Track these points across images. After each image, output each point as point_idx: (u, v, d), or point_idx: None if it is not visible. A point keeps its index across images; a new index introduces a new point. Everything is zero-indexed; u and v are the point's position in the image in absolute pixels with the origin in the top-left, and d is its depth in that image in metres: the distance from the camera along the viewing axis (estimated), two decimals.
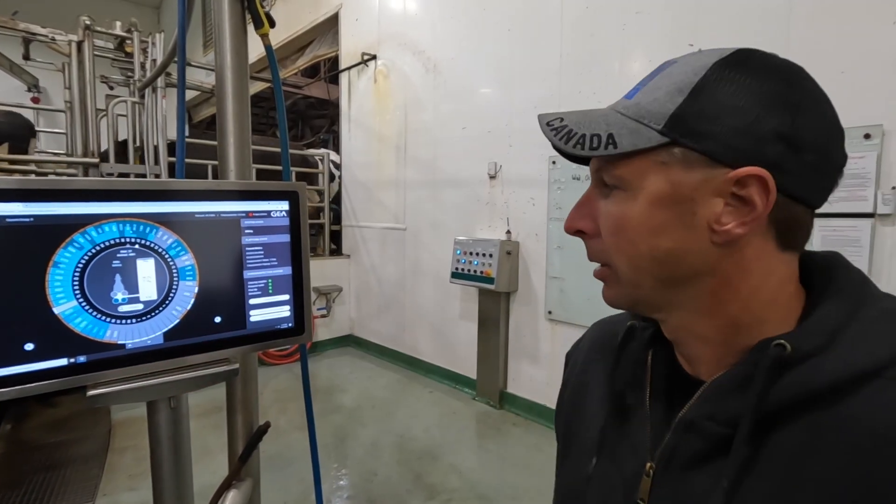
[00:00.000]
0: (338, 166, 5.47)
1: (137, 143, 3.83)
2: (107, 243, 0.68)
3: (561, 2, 3.10)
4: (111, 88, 4.61)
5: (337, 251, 5.41)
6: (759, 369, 0.39)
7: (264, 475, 1.14)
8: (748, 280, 0.42)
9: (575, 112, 0.46)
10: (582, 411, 0.57)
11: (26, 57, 4.44)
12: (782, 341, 0.38)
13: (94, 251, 0.67)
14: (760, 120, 0.38)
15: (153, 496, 0.82)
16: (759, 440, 0.39)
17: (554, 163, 3.17)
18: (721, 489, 0.39)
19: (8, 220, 0.61)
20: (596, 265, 0.48)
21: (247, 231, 0.81)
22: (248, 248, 0.81)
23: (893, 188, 1.96)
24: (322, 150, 5.95)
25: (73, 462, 2.75)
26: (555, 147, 0.44)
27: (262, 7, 1.10)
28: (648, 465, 0.46)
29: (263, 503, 1.14)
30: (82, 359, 0.68)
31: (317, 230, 5.42)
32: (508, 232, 3.51)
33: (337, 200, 5.41)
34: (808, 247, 0.45)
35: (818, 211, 0.43)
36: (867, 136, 1.99)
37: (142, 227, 0.70)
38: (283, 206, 0.84)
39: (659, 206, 0.41)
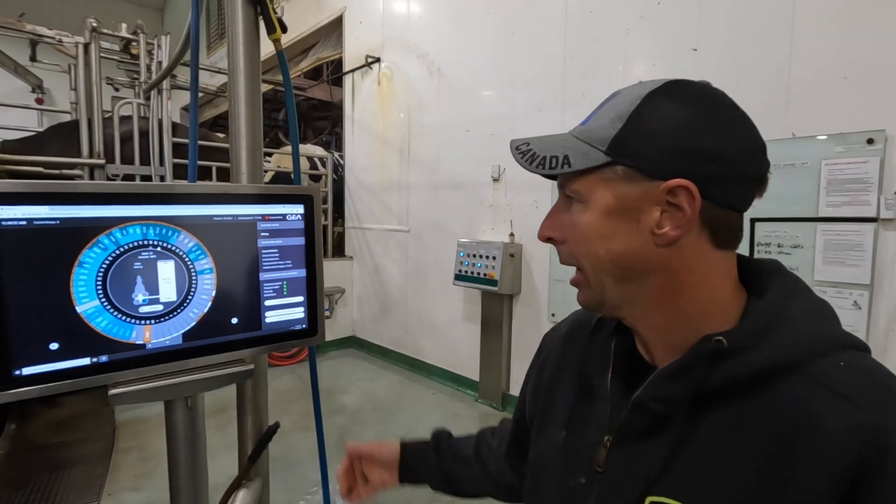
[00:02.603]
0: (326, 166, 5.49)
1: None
2: (130, 245, 0.70)
3: (565, 6, 3.12)
4: (116, 90, 4.63)
5: (340, 253, 5.42)
6: (697, 360, 0.47)
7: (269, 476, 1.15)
8: (691, 275, 0.49)
9: (541, 137, 0.54)
10: (557, 392, 0.65)
11: (33, 58, 4.46)
12: (720, 337, 0.46)
13: (117, 252, 0.69)
14: (684, 140, 0.46)
15: (170, 494, 0.83)
16: (695, 419, 0.47)
17: None
18: (660, 459, 0.48)
19: (35, 222, 0.63)
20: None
21: (263, 234, 0.82)
22: (263, 251, 0.82)
23: None
24: (315, 149, 5.96)
25: (77, 462, 2.76)
26: (522, 167, 0.53)
27: (275, 13, 1.12)
28: (606, 438, 0.54)
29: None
30: (104, 358, 0.69)
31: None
32: (512, 234, 3.52)
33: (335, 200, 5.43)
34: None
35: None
36: (870, 142, 2.00)
37: (164, 230, 0.72)
38: (299, 209, 0.86)
39: (608, 216, 0.49)
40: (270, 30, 1.12)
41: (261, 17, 1.11)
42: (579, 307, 0.70)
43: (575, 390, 0.61)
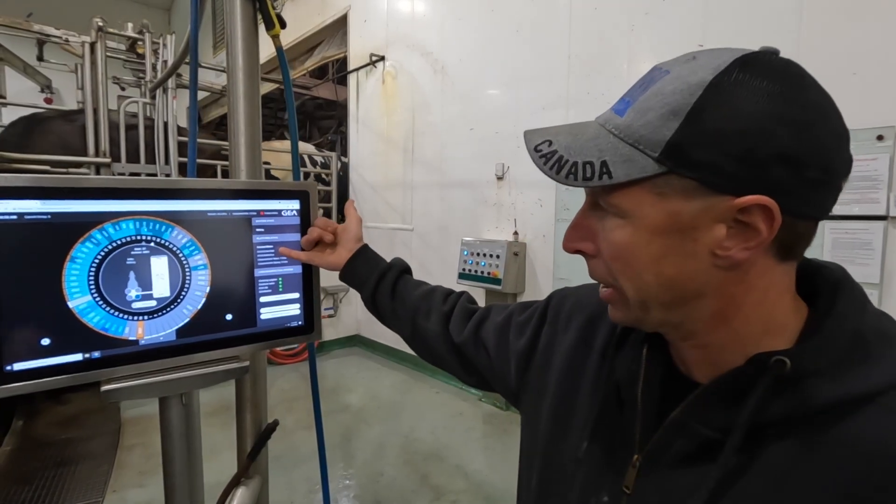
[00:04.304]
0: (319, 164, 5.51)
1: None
2: (123, 240, 0.69)
3: (569, 3, 3.10)
4: (123, 89, 4.66)
5: None
6: (759, 384, 0.40)
7: (270, 474, 1.15)
8: (750, 296, 0.42)
9: (562, 131, 0.44)
10: (577, 389, 0.58)
11: (40, 58, 4.50)
12: (783, 358, 0.39)
13: (110, 247, 0.68)
14: (761, 143, 0.36)
15: (164, 491, 0.83)
16: (749, 449, 0.40)
17: None
18: (706, 489, 0.40)
19: (26, 217, 0.62)
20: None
21: (258, 229, 0.82)
22: (258, 247, 0.82)
23: None
24: (306, 146, 5.98)
25: (83, 459, 2.78)
26: (547, 175, 0.43)
27: (274, 8, 1.11)
28: (636, 457, 0.48)
29: (270, 502, 1.14)
30: (97, 354, 0.69)
31: None
32: (516, 233, 3.50)
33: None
34: (818, 247, 0.44)
35: (830, 214, 0.43)
36: (880, 138, 1.97)
37: (157, 226, 0.71)
38: (294, 205, 0.85)
39: (659, 235, 0.41)
40: (269, 25, 1.12)
41: (259, 14, 1.11)
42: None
43: (600, 398, 0.55)
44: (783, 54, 0.41)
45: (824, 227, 2.07)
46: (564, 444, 0.56)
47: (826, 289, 0.44)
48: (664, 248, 0.41)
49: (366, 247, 0.88)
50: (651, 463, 0.47)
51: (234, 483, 1.01)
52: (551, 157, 0.43)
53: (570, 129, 0.44)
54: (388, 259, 0.89)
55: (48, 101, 6.70)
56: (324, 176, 5.48)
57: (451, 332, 0.75)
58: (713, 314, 0.43)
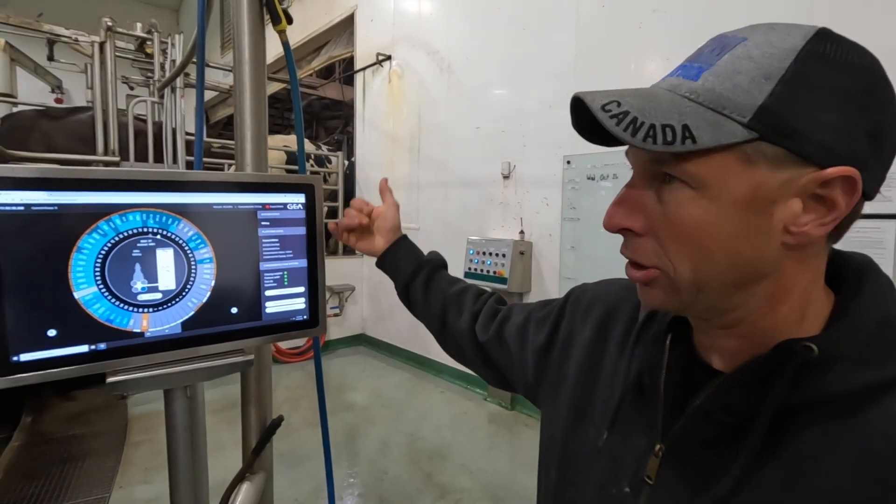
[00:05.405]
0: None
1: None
2: (130, 232, 0.69)
3: (576, 1, 3.08)
4: (131, 88, 4.69)
5: (350, 250, 5.44)
6: (787, 370, 0.38)
7: (276, 471, 1.15)
8: (802, 279, 0.41)
9: (628, 93, 0.40)
10: (596, 379, 0.57)
11: (50, 58, 4.54)
12: (811, 344, 0.38)
13: (116, 239, 0.68)
14: (853, 117, 0.36)
15: (169, 484, 0.83)
16: (775, 435, 0.40)
17: (568, 163, 3.15)
18: (730, 476, 0.40)
19: (33, 207, 0.62)
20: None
21: (263, 223, 0.81)
22: (264, 240, 0.82)
23: None
24: (307, 146, 5.98)
25: (90, 455, 2.80)
26: (617, 137, 0.38)
27: (280, 3, 1.11)
28: (658, 446, 0.47)
29: (275, 499, 1.14)
30: (102, 346, 0.69)
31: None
32: (522, 232, 3.49)
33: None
34: None
35: None
36: None
37: (164, 218, 0.71)
38: (300, 198, 0.85)
39: (738, 209, 0.38)
40: (276, 21, 1.12)
41: (266, 9, 1.11)
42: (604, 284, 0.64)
43: (621, 387, 0.54)
44: None
45: None
46: (584, 435, 0.56)
47: (851, 275, 0.43)
48: (742, 224, 0.38)
49: (404, 237, 0.90)
50: (674, 451, 0.46)
51: (239, 478, 1.01)
52: (623, 117, 0.38)
53: (636, 93, 0.40)
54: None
55: (59, 101, 6.77)
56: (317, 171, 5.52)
57: (476, 332, 0.76)
58: (767, 298, 0.41)
